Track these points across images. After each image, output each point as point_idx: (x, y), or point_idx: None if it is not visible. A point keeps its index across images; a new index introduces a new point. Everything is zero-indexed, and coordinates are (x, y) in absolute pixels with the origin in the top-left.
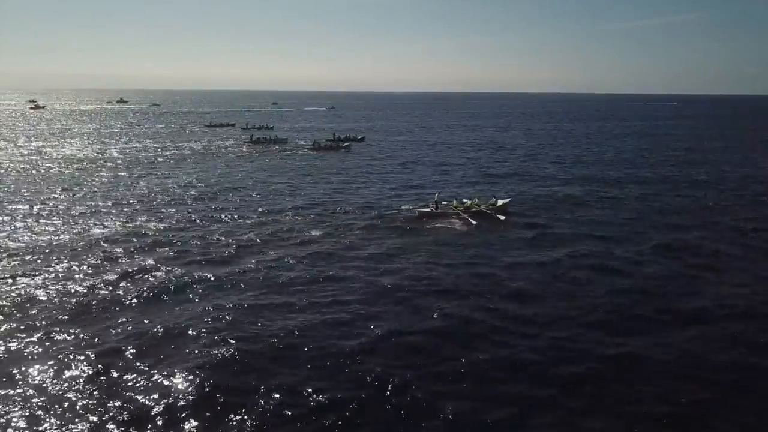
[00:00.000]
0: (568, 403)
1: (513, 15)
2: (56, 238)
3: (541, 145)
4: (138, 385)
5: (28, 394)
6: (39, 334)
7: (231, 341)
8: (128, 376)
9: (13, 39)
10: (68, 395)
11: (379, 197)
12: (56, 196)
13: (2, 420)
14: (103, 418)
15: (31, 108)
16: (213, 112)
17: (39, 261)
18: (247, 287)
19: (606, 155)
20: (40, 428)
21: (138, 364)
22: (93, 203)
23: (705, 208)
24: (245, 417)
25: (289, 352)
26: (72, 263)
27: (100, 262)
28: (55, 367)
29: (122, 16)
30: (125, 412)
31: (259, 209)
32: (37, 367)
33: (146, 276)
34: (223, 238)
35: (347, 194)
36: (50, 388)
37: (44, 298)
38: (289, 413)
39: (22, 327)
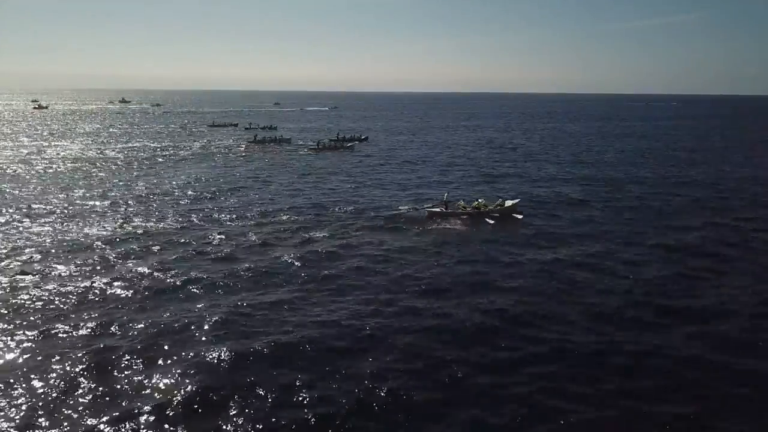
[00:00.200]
0: (569, 404)
1: (513, 15)
2: (56, 237)
3: (542, 145)
4: (136, 384)
5: (23, 393)
6: (35, 333)
7: (230, 341)
8: (126, 376)
9: (13, 39)
10: (63, 395)
11: (384, 197)
12: (56, 195)
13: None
14: (100, 418)
15: (35, 108)
16: (215, 112)
17: (39, 260)
18: (250, 286)
19: (606, 155)
20: (37, 427)
21: (136, 363)
22: (95, 203)
23: (705, 209)
24: (244, 417)
25: (289, 352)
26: (72, 262)
27: (100, 261)
28: (53, 366)
29: (122, 16)
30: (121, 412)
31: (263, 209)
32: (34, 366)
33: (146, 275)
34: (224, 238)
35: (352, 194)
36: (46, 387)
37: (43, 297)
38: (289, 412)
39: (18, 326)
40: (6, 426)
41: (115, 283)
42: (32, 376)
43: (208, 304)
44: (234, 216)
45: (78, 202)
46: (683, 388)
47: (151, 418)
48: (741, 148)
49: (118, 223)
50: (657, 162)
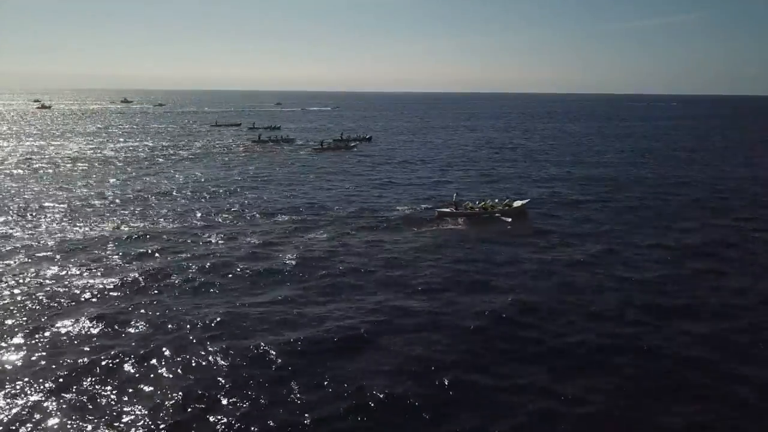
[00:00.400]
0: (568, 404)
1: (513, 15)
2: (56, 237)
3: (542, 145)
4: (135, 384)
5: (19, 393)
6: (35, 332)
7: (230, 340)
8: (125, 376)
9: (13, 39)
10: (62, 394)
11: (384, 197)
12: (55, 194)
13: None
14: (100, 418)
15: (38, 108)
16: (218, 111)
17: (38, 260)
18: (250, 286)
19: (606, 155)
20: (36, 427)
21: (134, 363)
22: (104, 201)
23: (705, 209)
24: (244, 416)
25: (288, 352)
26: (72, 262)
27: (100, 261)
28: (52, 366)
29: (122, 16)
30: (120, 412)
31: (264, 208)
32: (32, 365)
33: (146, 275)
34: (225, 237)
35: (353, 194)
36: (42, 387)
37: (43, 297)
38: (288, 412)
39: (18, 325)
40: (4, 425)
41: (115, 283)
42: (31, 375)
43: (207, 303)
44: (234, 215)
45: (82, 201)
46: (683, 388)
47: (151, 417)
48: (741, 148)
49: (120, 222)
50: (657, 162)
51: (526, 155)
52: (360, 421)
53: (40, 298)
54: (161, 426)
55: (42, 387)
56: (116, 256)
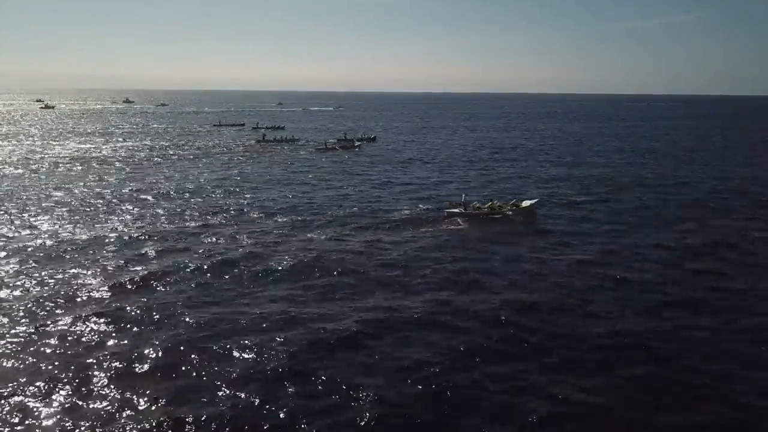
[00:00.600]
0: (569, 404)
1: (513, 15)
2: (57, 237)
3: (542, 145)
4: (133, 383)
5: (17, 393)
6: (34, 332)
7: (229, 339)
8: (123, 376)
9: (13, 39)
10: (60, 394)
11: (384, 198)
12: (55, 193)
13: None
14: (100, 417)
15: (41, 108)
16: (220, 112)
17: (39, 259)
18: (250, 285)
19: (606, 155)
20: (34, 426)
21: (133, 363)
22: (100, 201)
23: (705, 208)
24: (242, 416)
25: (288, 352)
26: (73, 262)
27: (101, 260)
28: (50, 366)
29: (122, 16)
30: (119, 411)
31: (264, 208)
32: (31, 365)
33: (145, 275)
34: (225, 237)
35: (353, 194)
36: (41, 387)
37: (42, 296)
38: (288, 412)
39: (17, 325)
40: (3, 425)
41: (114, 283)
42: (28, 374)
43: (207, 303)
44: (234, 215)
45: (85, 200)
46: (683, 388)
47: (149, 417)
48: (741, 148)
49: (123, 222)
50: (657, 162)
51: (526, 155)
52: (360, 421)
53: (40, 297)
54: (160, 425)
55: (40, 386)
56: (116, 256)
